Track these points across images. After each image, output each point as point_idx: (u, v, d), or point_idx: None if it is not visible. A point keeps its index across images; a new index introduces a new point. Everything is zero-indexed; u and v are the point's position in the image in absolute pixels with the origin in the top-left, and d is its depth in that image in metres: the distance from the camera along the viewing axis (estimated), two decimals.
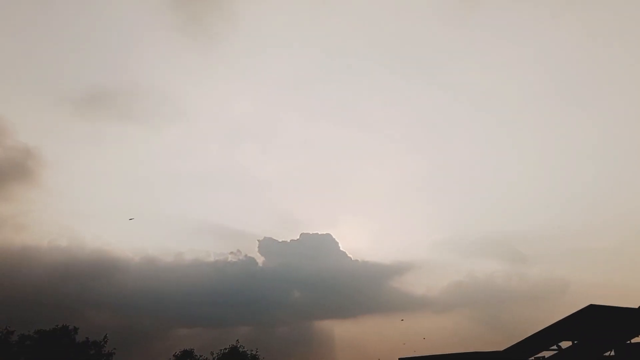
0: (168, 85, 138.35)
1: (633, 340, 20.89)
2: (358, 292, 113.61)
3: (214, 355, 35.94)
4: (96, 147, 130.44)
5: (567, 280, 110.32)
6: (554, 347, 20.99)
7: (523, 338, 20.31)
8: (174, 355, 35.36)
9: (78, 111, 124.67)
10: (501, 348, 22.70)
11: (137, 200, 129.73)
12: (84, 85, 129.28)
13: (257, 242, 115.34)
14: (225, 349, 35.90)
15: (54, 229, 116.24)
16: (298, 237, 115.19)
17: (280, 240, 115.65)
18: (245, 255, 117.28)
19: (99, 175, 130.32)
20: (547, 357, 22.56)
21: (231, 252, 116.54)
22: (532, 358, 23.59)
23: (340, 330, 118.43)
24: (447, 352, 25.33)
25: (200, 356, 35.71)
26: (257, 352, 36.04)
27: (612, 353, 23.26)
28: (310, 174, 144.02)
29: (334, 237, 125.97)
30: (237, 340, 40.27)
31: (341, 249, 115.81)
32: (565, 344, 20.90)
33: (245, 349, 35.94)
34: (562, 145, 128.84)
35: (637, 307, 20.04)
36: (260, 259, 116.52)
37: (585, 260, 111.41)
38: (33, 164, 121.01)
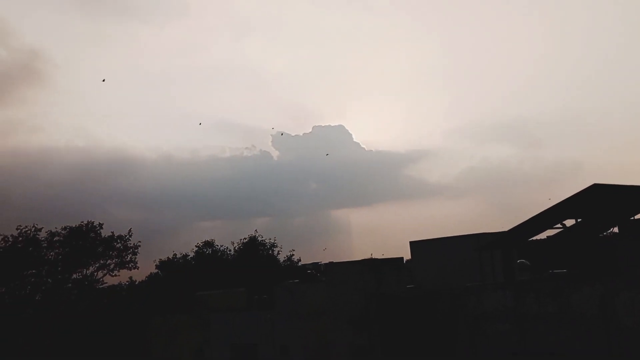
0: None
1: (638, 216, 21.57)
2: (373, 181, 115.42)
3: (234, 245, 37.66)
4: (101, 46, 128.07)
5: (579, 162, 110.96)
6: (559, 225, 21.76)
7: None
8: (196, 245, 37.14)
9: (81, 9, 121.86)
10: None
11: (148, 99, 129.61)
12: None
13: (270, 137, 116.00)
14: (245, 239, 37.56)
15: (69, 130, 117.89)
16: (310, 130, 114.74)
17: (293, 135, 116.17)
18: (260, 150, 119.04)
19: (108, 75, 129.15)
20: (552, 235, 23.48)
21: (246, 148, 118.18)
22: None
23: (356, 218, 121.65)
24: (457, 235, 26.33)
25: (221, 246, 37.48)
26: (275, 240, 37.67)
27: (616, 229, 24.12)
28: (320, 64, 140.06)
29: (347, 128, 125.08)
30: (256, 230, 42.14)
31: (355, 140, 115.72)
32: (569, 223, 21.68)
33: (263, 239, 37.60)
34: (575, 22, 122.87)
35: None
36: (274, 153, 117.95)
37: (600, 141, 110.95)
38: (41, 65, 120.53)
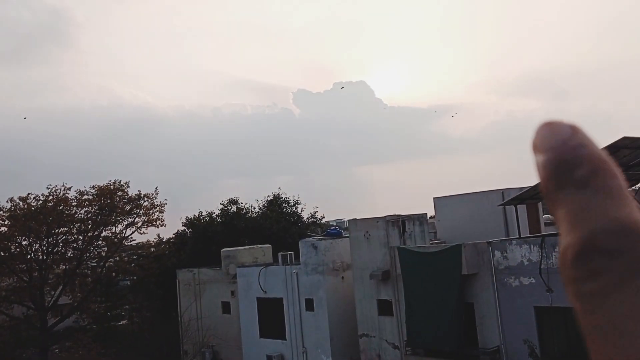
0: None
1: None
2: (395, 137, 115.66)
3: (258, 202, 37.99)
4: (122, 4, 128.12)
5: (608, 114, 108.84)
6: None
7: None
8: (220, 203, 37.52)
9: None
10: None
11: (169, 57, 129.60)
12: None
13: (291, 95, 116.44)
14: (269, 196, 37.81)
15: (93, 90, 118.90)
16: (331, 87, 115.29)
17: (314, 92, 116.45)
18: (281, 108, 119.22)
19: (129, 34, 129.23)
20: None
21: (267, 105, 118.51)
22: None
23: (379, 175, 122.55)
24: (481, 190, 26.19)
25: (246, 203, 37.84)
26: (298, 197, 37.83)
27: None
28: (341, 19, 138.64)
29: (368, 84, 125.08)
30: (279, 188, 42.10)
31: (376, 96, 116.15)
32: None
33: (287, 196, 37.76)
34: None
35: None
36: (296, 111, 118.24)
37: (629, 92, 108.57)
38: (64, 25, 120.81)
